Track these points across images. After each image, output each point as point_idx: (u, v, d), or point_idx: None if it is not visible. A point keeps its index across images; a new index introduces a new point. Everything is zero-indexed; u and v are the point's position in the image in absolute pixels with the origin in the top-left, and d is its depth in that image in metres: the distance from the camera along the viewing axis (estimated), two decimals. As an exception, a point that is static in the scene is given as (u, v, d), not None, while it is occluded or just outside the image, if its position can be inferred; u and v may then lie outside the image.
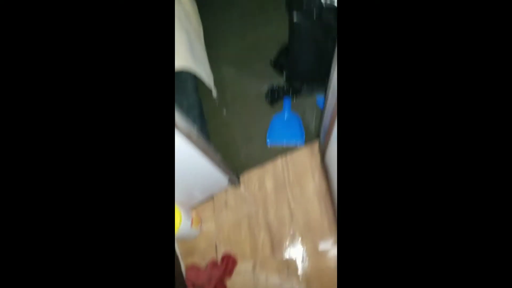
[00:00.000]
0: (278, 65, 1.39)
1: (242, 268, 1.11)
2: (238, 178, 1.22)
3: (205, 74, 1.09)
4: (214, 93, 1.23)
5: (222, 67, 1.45)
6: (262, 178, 1.21)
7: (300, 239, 1.10)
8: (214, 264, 1.11)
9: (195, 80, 1.02)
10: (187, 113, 0.87)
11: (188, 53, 0.93)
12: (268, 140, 1.27)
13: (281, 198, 1.17)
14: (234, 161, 1.26)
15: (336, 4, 0.91)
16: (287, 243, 1.11)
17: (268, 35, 1.48)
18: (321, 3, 0.91)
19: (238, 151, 1.28)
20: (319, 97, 1.31)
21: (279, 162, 1.22)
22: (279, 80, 1.38)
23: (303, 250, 1.09)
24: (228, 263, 1.10)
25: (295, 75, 1.29)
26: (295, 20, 0.98)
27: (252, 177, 1.22)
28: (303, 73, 1.26)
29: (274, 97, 1.34)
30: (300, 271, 1.07)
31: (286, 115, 1.30)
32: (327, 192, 1.15)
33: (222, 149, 1.28)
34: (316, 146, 1.23)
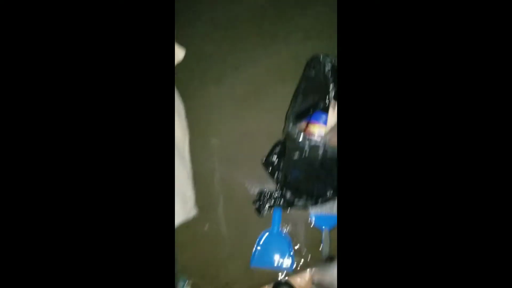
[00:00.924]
0: (269, 166, 1.26)
1: None
2: (215, 309, 1.05)
3: (183, 206, 0.94)
4: (195, 213, 1.07)
5: (207, 162, 1.30)
6: (243, 314, 1.04)
7: None
8: None
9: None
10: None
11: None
12: (252, 262, 1.11)
13: None
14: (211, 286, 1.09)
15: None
16: None
17: (260, 127, 1.36)
18: (325, 153, 0.78)
19: (217, 273, 1.12)
20: (314, 213, 1.17)
21: (264, 293, 1.06)
22: (271, 185, 1.24)
23: None
24: None
25: (289, 186, 1.15)
26: (294, 158, 0.85)
27: (231, 312, 1.05)
28: (298, 190, 1.12)
29: (263, 204, 1.20)
30: None
31: (275, 231, 1.15)
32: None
33: (199, 270, 1.12)
34: (306, 276, 1.08)
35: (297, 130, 0.78)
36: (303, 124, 1.04)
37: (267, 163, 1.26)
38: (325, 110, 1.06)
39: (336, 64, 0.96)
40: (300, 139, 0.78)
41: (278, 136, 1.29)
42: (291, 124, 0.81)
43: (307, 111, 0.99)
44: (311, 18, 1.54)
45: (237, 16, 1.61)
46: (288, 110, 0.90)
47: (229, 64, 1.51)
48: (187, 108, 1.34)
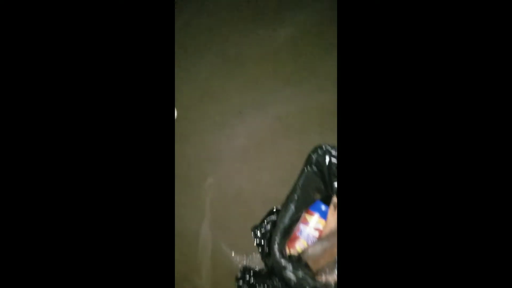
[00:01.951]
0: (258, 238, 1.12)
1: None
2: None
3: None
4: None
5: (194, 221, 1.18)
6: None
7: None
8: None
9: None
10: None
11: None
12: None
13: None
14: None
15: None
16: None
17: (256, 188, 1.22)
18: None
19: None
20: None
21: None
22: (258, 259, 1.11)
23: None
24: None
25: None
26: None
27: None
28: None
29: (246, 285, 1.07)
30: None
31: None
32: None
33: None
34: None
35: (282, 260, 0.65)
36: (291, 241, 0.90)
37: (256, 233, 1.13)
38: (326, 201, 0.92)
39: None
40: (285, 273, 0.64)
41: (274, 202, 1.16)
42: (276, 246, 0.67)
43: (298, 220, 0.84)
44: (332, 66, 1.36)
45: (248, 52, 1.47)
46: (277, 221, 0.76)
47: (233, 107, 1.37)
48: (181, 153, 1.21)
